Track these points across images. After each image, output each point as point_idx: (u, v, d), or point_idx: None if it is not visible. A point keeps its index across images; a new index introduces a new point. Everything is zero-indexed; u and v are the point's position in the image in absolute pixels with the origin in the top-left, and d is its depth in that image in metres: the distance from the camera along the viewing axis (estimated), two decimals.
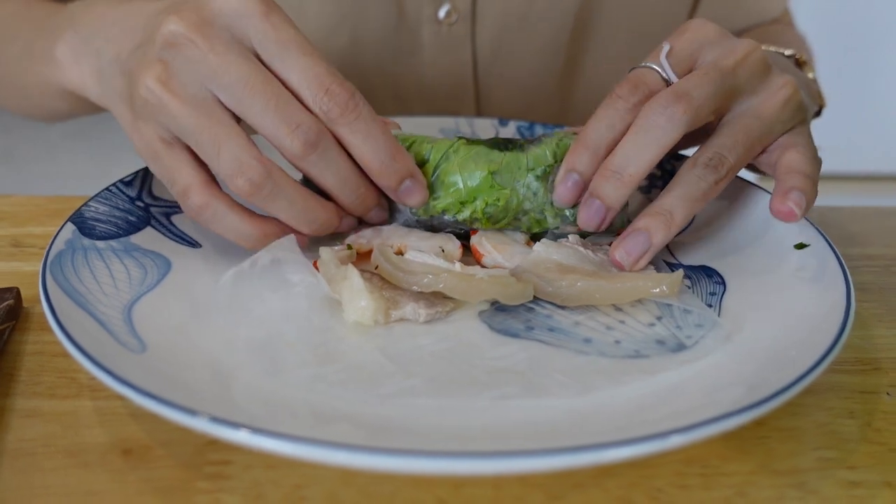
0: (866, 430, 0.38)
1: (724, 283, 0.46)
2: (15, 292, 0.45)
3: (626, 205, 0.48)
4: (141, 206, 0.49)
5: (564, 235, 0.48)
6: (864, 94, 2.12)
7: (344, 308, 0.42)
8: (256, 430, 0.30)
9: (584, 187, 0.45)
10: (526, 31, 0.71)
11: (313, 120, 0.41)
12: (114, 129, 0.53)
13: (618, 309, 0.43)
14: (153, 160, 0.44)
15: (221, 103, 0.41)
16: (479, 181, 0.46)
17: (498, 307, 0.43)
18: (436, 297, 0.43)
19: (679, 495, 0.34)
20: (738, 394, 0.34)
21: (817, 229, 0.46)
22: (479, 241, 0.47)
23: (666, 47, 0.46)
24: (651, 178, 0.56)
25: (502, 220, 0.47)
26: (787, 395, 0.33)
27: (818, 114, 0.62)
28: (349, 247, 0.47)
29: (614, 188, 0.44)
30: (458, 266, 0.44)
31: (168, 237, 0.48)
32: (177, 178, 0.43)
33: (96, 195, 0.49)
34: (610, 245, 0.48)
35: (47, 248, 0.42)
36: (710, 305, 0.44)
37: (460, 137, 0.47)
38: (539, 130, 0.63)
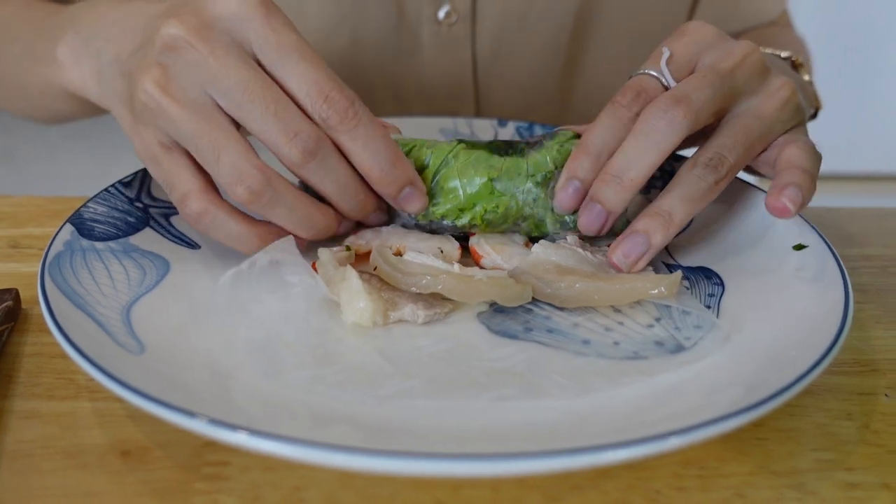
0: (864, 432, 0.38)
1: (722, 284, 0.46)
2: (14, 294, 0.45)
3: (626, 208, 0.48)
4: (140, 207, 0.49)
5: (563, 237, 0.48)
6: (864, 94, 2.12)
7: (342, 309, 0.42)
8: (255, 432, 0.30)
9: (584, 194, 0.45)
10: (526, 32, 0.71)
11: (312, 128, 0.41)
12: (114, 129, 0.53)
13: (616, 310, 0.43)
14: (152, 164, 0.44)
15: (221, 108, 0.41)
16: (478, 188, 0.46)
17: (496, 308, 0.43)
18: (434, 299, 0.43)
19: (677, 497, 0.34)
20: (737, 395, 0.34)
21: (816, 230, 0.46)
22: (477, 243, 0.47)
23: (666, 53, 0.46)
24: (650, 178, 0.56)
25: (501, 226, 0.47)
26: (786, 397, 0.33)
27: (814, 116, 0.62)
28: (348, 248, 0.47)
29: (614, 193, 0.44)
30: (456, 267, 0.44)
31: (167, 238, 0.48)
32: (175, 184, 0.43)
33: (95, 196, 0.49)
34: (609, 246, 0.48)
35: (46, 250, 0.42)
36: (708, 307, 0.44)
37: (460, 141, 0.47)
38: (538, 130, 0.63)
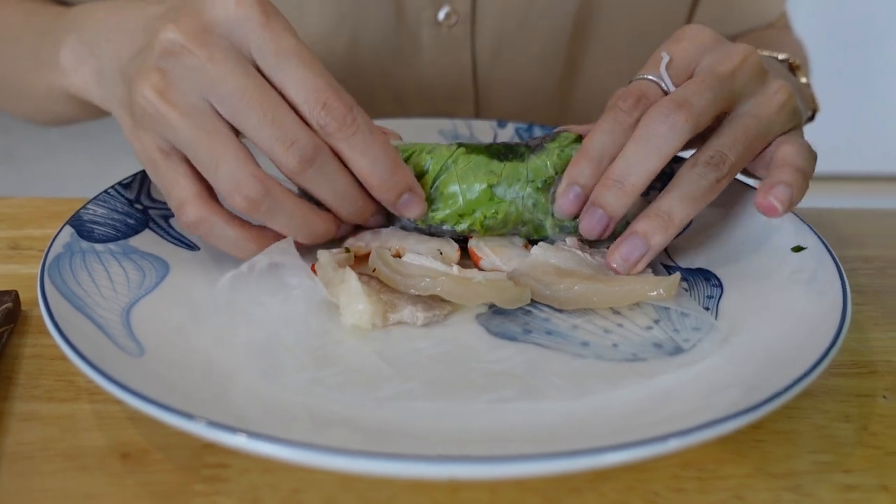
0: (862, 434, 0.38)
1: (721, 286, 0.46)
2: (13, 295, 0.45)
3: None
4: (139, 209, 0.50)
5: (563, 239, 0.48)
6: (863, 93, 2.13)
7: (342, 311, 0.42)
8: (254, 435, 0.30)
9: (585, 200, 0.45)
10: (525, 33, 0.71)
11: (310, 136, 0.41)
12: (114, 130, 0.53)
13: (615, 312, 0.43)
14: (151, 169, 0.44)
15: (220, 114, 0.41)
16: (477, 194, 0.46)
17: (495, 310, 0.43)
18: (433, 301, 0.43)
19: (675, 499, 0.34)
20: (735, 397, 0.35)
21: (814, 232, 0.46)
22: (476, 245, 0.48)
23: (665, 59, 0.46)
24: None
25: (501, 230, 0.47)
26: (784, 399, 0.33)
27: (812, 118, 0.62)
28: (347, 250, 0.47)
29: (615, 197, 0.44)
30: (455, 269, 0.44)
31: (166, 240, 0.48)
32: (173, 191, 0.43)
33: (95, 198, 0.49)
34: (608, 249, 0.48)
35: (45, 252, 0.42)
36: (707, 308, 0.44)
37: (460, 145, 0.47)
38: (537, 131, 0.63)
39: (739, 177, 0.49)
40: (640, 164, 0.43)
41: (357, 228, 0.49)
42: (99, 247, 0.45)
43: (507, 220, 0.47)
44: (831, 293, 0.41)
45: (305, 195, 0.45)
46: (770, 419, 0.37)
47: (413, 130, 0.61)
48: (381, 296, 0.43)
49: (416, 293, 0.43)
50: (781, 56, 0.59)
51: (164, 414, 0.31)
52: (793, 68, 0.60)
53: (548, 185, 0.46)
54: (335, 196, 0.44)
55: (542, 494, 0.34)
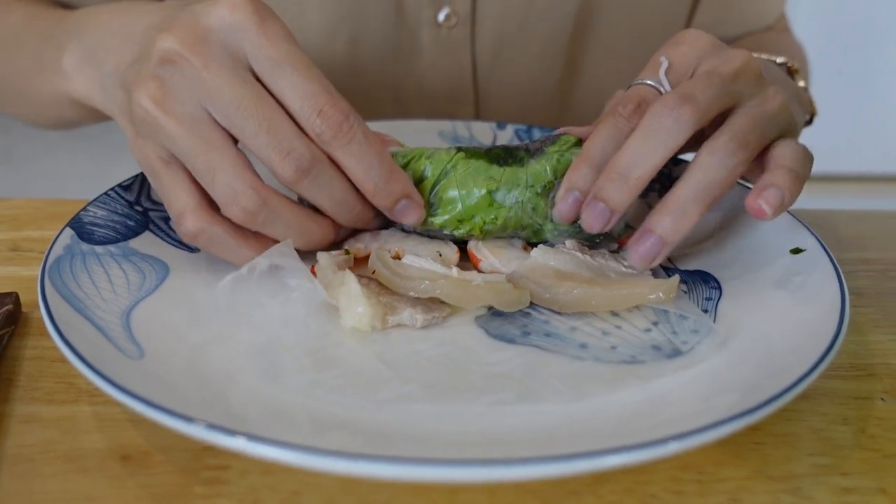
0: (860, 437, 0.38)
1: (719, 288, 0.46)
2: (14, 297, 0.45)
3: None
4: (139, 211, 0.50)
5: (562, 242, 0.48)
6: (863, 94, 2.13)
7: (341, 314, 0.42)
8: (253, 438, 0.30)
9: None
10: (525, 34, 0.71)
11: (306, 145, 0.41)
12: (114, 130, 0.54)
13: (614, 314, 0.43)
14: (152, 177, 0.44)
15: (217, 122, 0.41)
16: (477, 199, 0.46)
17: (495, 312, 0.43)
18: (433, 303, 0.43)
19: (674, 501, 0.34)
20: (734, 400, 0.35)
21: (814, 234, 0.47)
22: (475, 247, 0.48)
23: (664, 64, 0.46)
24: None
25: (500, 235, 0.48)
26: (783, 401, 0.33)
27: (809, 122, 0.62)
28: (347, 252, 0.47)
29: (619, 191, 0.43)
30: (455, 271, 0.44)
31: (166, 241, 0.48)
32: (173, 201, 0.43)
33: (95, 200, 0.49)
34: (609, 252, 0.48)
35: (46, 254, 0.42)
36: (705, 311, 0.44)
37: (459, 149, 0.47)
38: (537, 133, 0.63)
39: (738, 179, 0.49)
40: (644, 157, 0.42)
41: (357, 230, 0.49)
42: (99, 249, 0.45)
43: (507, 225, 0.47)
44: (829, 296, 0.41)
45: (304, 200, 0.45)
46: (769, 421, 0.37)
47: (413, 132, 0.61)
48: (380, 298, 0.43)
49: (416, 295, 0.43)
50: (780, 59, 0.59)
51: (163, 417, 0.32)
52: (791, 72, 0.59)
53: (547, 190, 0.46)
54: (333, 203, 0.44)
55: (541, 497, 0.34)
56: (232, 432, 0.30)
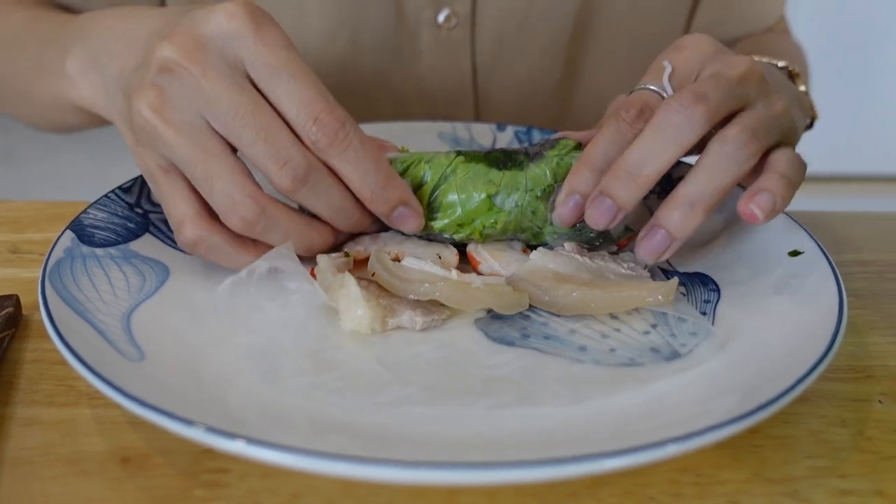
0: (858, 439, 0.38)
1: (718, 290, 0.46)
2: (14, 300, 0.45)
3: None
4: (140, 213, 0.50)
5: (561, 245, 0.48)
6: (863, 94, 2.13)
7: (341, 316, 0.42)
8: (253, 441, 0.30)
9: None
10: (525, 36, 0.71)
11: (303, 154, 0.41)
12: (113, 131, 0.54)
13: (613, 317, 0.44)
14: (152, 184, 0.44)
15: (216, 131, 0.41)
16: (476, 204, 0.46)
17: (494, 315, 0.44)
18: (432, 305, 0.43)
19: None
20: (733, 402, 0.35)
21: (811, 237, 0.47)
22: (475, 249, 0.48)
23: (668, 68, 0.46)
24: None
25: (499, 237, 0.48)
26: (782, 404, 0.33)
27: (810, 126, 0.61)
28: (346, 254, 0.47)
29: (626, 188, 0.42)
30: (454, 274, 0.44)
31: (166, 244, 0.48)
32: (171, 209, 0.43)
33: (95, 202, 0.49)
34: (608, 253, 0.48)
35: (46, 257, 0.42)
36: (704, 313, 0.44)
37: (458, 153, 0.47)
38: (536, 135, 0.63)
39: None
40: (655, 154, 0.41)
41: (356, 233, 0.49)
42: (99, 251, 0.45)
43: (507, 229, 0.47)
44: (828, 298, 0.41)
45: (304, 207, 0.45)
46: (767, 424, 0.37)
47: (412, 134, 0.61)
48: (380, 300, 0.43)
49: (415, 298, 0.43)
50: (781, 63, 0.58)
51: (163, 419, 0.32)
52: (792, 76, 0.59)
53: (547, 194, 0.46)
54: (331, 211, 0.44)
55: (540, 499, 0.35)
56: (231, 435, 0.31)
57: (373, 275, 0.45)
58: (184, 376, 0.37)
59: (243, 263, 0.44)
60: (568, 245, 0.47)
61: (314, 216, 0.45)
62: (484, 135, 0.64)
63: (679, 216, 0.42)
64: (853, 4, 2.08)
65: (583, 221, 0.45)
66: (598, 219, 0.43)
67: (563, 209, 0.45)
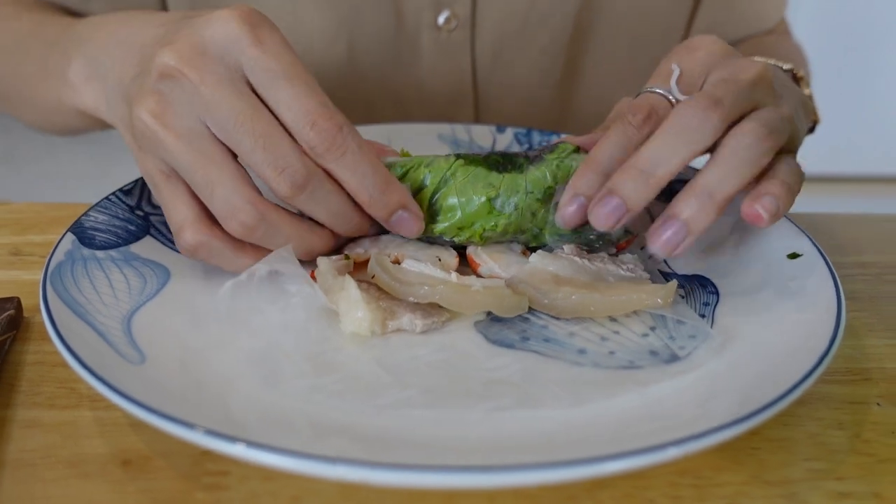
0: (855, 441, 0.38)
1: (717, 293, 0.46)
2: (16, 302, 0.45)
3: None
4: (140, 215, 0.50)
5: (560, 247, 0.48)
6: (863, 94, 2.13)
7: (341, 319, 0.42)
8: (253, 444, 0.31)
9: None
10: (525, 37, 0.71)
11: (301, 161, 0.41)
12: (113, 131, 0.54)
13: (612, 319, 0.44)
14: (153, 189, 0.45)
15: (216, 137, 0.41)
16: (476, 207, 0.46)
17: (494, 317, 0.44)
18: (432, 308, 0.43)
19: None
20: (732, 405, 0.35)
21: (810, 239, 0.47)
22: (474, 251, 0.48)
23: (676, 72, 0.46)
24: None
25: (499, 239, 0.48)
26: (780, 406, 0.33)
27: (812, 130, 0.61)
28: (346, 256, 0.47)
29: (637, 188, 0.41)
30: (454, 276, 0.44)
31: (167, 246, 0.48)
32: (172, 214, 0.43)
33: (96, 204, 0.49)
34: (608, 255, 0.48)
35: (47, 260, 0.42)
36: (703, 315, 0.44)
37: (458, 156, 0.47)
38: (536, 136, 0.63)
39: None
40: (670, 155, 0.40)
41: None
42: (100, 254, 0.45)
43: (507, 231, 0.47)
44: (826, 301, 0.41)
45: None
46: (765, 426, 0.38)
47: (412, 135, 0.62)
48: (380, 303, 0.43)
49: (415, 300, 0.43)
50: (786, 66, 0.58)
51: (163, 422, 0.32)
52: (797, 79, 0.59)
53: (547, 196, 0.46)
54: (330, 216, 0.44)
55: (540, 502, 0.35)
56: (231, 438, 0.31)
57: (373, 277, 0.45)
58: (184, 379, 0.37)
59: (244, 267, 0.44)
60: (567, 247, 0.47)
61: (314, 221, 0.45)
62: (484, 136, 0.64)
63: (697, 206, 0.40)
64: (853, 4, 2.09)
65: (584, 224, 0.45)
66: (604, 218, 0.42)
67: (567, 210, 0.44)
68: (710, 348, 0.41)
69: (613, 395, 0.38)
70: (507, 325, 0.43)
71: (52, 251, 0.43)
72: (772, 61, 0.57)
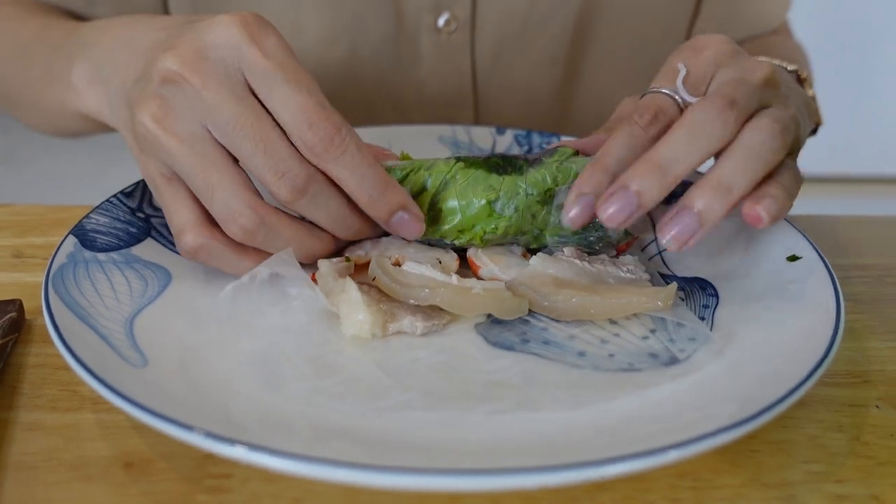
0: (854, 444, 0.39)
1: (717, 295, 0.46)
2: (17, 304, 0.45)
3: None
4: (142, 218, 0.50)
5: (561, 250, 0.48)
6: (862, 94, 2.13)
7: (342, 321, 0.42)
8: (253, 446, 0.31)
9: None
10: (525, 39, 0.71)
11: (301, 165, 0.41)
12: (113, 131, 0.54)
13: (612, 321, 0.44)
14: (155, 192, 0.45)
15: (217, 141, 0.41)
16: (477, 210, 0.46)
17: (494, 319, 0.44)
18: (433, 310, 0.44)
19: None
20: (732, 408, 0.35)
21: (810, 242, 0.47)
22: (475, 254, 0.48)
23: (683, 71, 0.45)
24: None
25: (500, 241, 0.48)
26: (779, 409, 0.34)
27: (814, 132, 0.61)
28: (347, 259, 0.47)
29: (651, 184, 0.40)
30: (454, 278, 0.44)
31: (168, 248, 0.48)
32: (173, 217, 0.43)
33: (97, 207, 0.49)
34: (608, 257, 0.48)
35: (49, 262, 0.43)
36: (702, 318, 0.44)
37: (458, 159, 0.47)
38: (536, 138, 0.63)
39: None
40: (686, 153, 0.40)
41: None
42: (102, 256, 0.45)
43: (507, 233, 0.47)
44: (825, 303, 0.41)
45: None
46: (765, 429, 0.38)
47: (412, 137, 0.62)
48: (380, 305, 0.43)
49: (416, 303, 0.43)
50: (790, 67, 0.58)
51: (164, 425, 0.32)
52: (800, 80, 0.59)
53: (547, 198, 0.46)
54: (330, 220, 0.44)
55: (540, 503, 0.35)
56: (232, 441, 0.31)
57: (373, 279, 0.45)
58: (186, 381, 0.37)
59: (244, 269, 0.44)
60: (567, 250, 0.48)
61: (315, 224, 0.45)
62: (483, 138, 0.64)
63: (712, 198, 0.39)
64: (852, 4, 2.09)
65: (587, 224, 0.45)
66: (616, 213, 0.40)
67: (574, 209, 0.42)
68: (710, 351, 0.41)
69: (613, 398, 0.38)
70: (507, 327, 0.43)
71: (53, 254, 0.44)
72: (776, 62, 0.57)
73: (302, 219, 0.45)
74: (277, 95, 0.41)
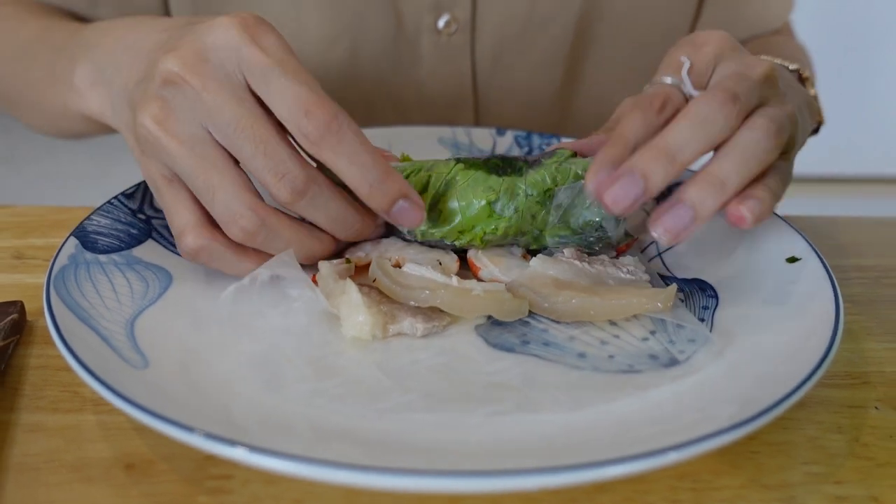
0: (854, 445, 0.39)
1: (716, 296, 0.46)
2: (19, 306, 0.45)
3: (624, 220, 0.48)
4: (143, 219, 0.50)
5: (561, 251, 0.48)
6: (863, 94, 2.13)
7: (342, 323, 0.42)
8: (254, 448, 0.31)
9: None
10: (526, 41, 0.71)
11: (301, 167, 0.41)
12: (113, 132, 0.54)
13: (612, 323, 0.44)
14: (156, 193, 0.45)
15: (218, 142, 0.42)
16: (477, 211, 0.46)
17: (494, 321, 0.44)
18: (433, 311, 0.44)
19: None
20: (731, 409, 0.35)
21: (809, 243, 0.47)
22: (475, 255, 0.48)
23: (686, 64, 0.46)
24: None
25: (500, 242, 0.48)
26: (779, 410, 0.34)
27: (816, 131, 0.62)
28: (348, 260, 0.47)
29: (658, 169, 0.40)
30: (454, 280, 0.44)
31: (169, 249, 0.48)
32: (174, 218, 0.44)
33: (98, 208, 0.49)
34: (608, 257, 0.48)
35: (50, 264, 0.43)
36: (702, 319, 0.44)
37: (458, 160, 0.47)
38: (536, 139, 0.63)
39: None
40: (693, 142, 0.40)
41: None
42: (103, 258, 0.46)
43: (507, 234, 0.47)
44: (824, 304, 0.42)
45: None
46: (764, 430, 0.38)
47: (412, 138, 0.62)
48: (381, 307, 0.43)
49: (416, 304, 0.43)
50: (792, 66, 0.58)
51: (164, 426, 0.32)
52: (802, 80, 0.59)
53: (547, 198, 0.47)
54: (330, 221, 0.44)
55: None
56: (232, 442, 0.31)
57: (374, 281, 0.45)
58: (186, 383, 0.37)
59: (245, 271, 0.44)
60: (567, 251, 0.48)
61: (315, 225, 0.45)
62: (484, 139, 0.64)
63: (706, 192, 0.40)
64: (853, 4, 2.09)
65: (587, 223, 0.45)
66: (622, 196, 0.40)
67: (597, 178, 0.41)
68: (710, 352, 0.41)
69: (613, 399, 0.38)
70: (507, 328, 0.43)
71: (55, 255, 0.44)
72: (778, 61, 0.57)
73: (302, 220, 0.45)
74: (275, 88, 0.40)
